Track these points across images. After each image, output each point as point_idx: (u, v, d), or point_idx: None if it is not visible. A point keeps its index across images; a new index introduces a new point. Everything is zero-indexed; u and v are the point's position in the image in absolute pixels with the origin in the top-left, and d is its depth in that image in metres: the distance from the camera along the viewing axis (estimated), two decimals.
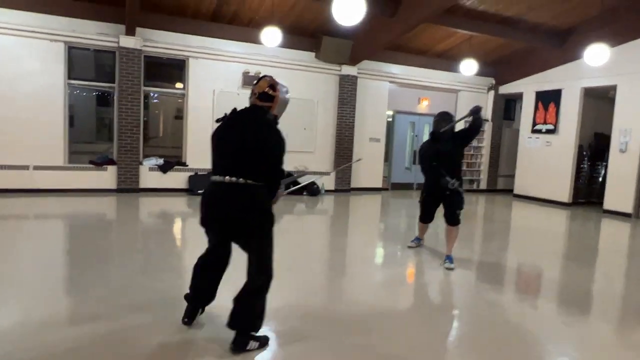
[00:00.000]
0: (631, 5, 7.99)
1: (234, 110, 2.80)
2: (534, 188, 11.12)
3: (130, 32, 8.19)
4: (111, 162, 8.65)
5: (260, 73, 9.40)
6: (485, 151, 12.53)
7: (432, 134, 4.97)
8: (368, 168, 11.00)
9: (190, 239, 5.92)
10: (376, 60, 10.58)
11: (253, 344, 2.70)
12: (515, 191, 11.68)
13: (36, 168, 8.02)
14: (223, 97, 9.08)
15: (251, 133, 2.62)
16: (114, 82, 8.57)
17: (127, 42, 8.26)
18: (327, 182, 10.35)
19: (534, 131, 11.19)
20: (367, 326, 3.28)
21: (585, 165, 10.92)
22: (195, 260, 3.02)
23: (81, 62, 8.76)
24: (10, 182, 7.82)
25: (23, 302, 3.39)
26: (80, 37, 8.07)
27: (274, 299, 3.45)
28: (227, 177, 2.63)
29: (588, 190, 10.96)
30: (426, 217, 5.37)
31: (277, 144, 2.67)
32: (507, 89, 12.06)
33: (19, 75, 7.78)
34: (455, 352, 3.08)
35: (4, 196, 7.51)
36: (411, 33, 9.41)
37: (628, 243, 7.36)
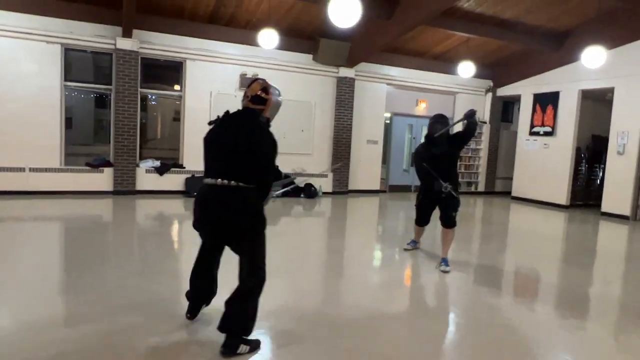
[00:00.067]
0: (628, 7, 7.99)
1: (227, 113, 2.80)
2: (531, 190, 11.11)
3: (127, 34, 8.18)
4: (108, 164, 8.63)
5: (257, 75, 9.41)
6: (483, 153, 12.53)
7: (427, 137, 4.95)
8: (365, 170, 11.00)
9: (186, 240, 5.90)
10: (374, 62, 10.58)
11: (244, 348, 2.68)
12: (513, 193, 11.68)
13: (32, 170, 8.00)
14: (220, 99, 9.07)
15: (243, 136, 2.63)
16: (111, 84, 8.55)
17: (124, 44, 8.26)
18: (325, 185, 10.33)
19: (531, 133, 11.19)
20: (362, 329, 3.27)
21: (583, 168, 10.91)
22: (191, 261, 3.08)
23: (78, 64, 8.76)
24: (6, 184, 7.80)
25: (19, 304, 3.38)
26: (77, 39, 8.06)
27: (269, 300, 3.48)
28: (218, 180, 2.64)
29: (586, 192, 10.96)
30: (422, 220, 5.35)
31: (269, 147, 2.68)
32: (505, 91, 12.06)
33: (15, 77, 7.77)
34: (451, 356, 3.06)
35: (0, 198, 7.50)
36: (409, 35, 9.42)
37: (626, 246, 7.35)
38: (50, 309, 3.33)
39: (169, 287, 3.93)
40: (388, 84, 11.01)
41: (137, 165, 8.76)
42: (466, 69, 9.67)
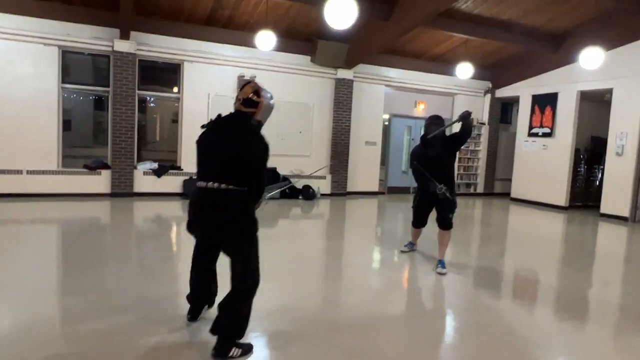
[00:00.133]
0: (626, 8, 7.97)
1: (219, 116, 2.81)
2: (531, 192, 11.09)
3: (124, 36, 8.18)
4: (105, 166, 8.62)
5: (255, 77, 9.40)
6: (482, 155, 12.50)
7: (422, 139, 4.92)
8: (364, 172, 10.98)
9: (184, 242, 5.86)
10: (372, 63, 10.57)
11: (235, 351, 2.66)
12: (512, 195, 11.65)
13: (30, 172, 7.98)
14: (218, 101, 9.05)
15: (235, 139, 2.63)
16: (108, 86, 8.54)
17: (122, 46, 8.25)
18: (323, 186, 10.32)
19: (530, 134, 11.18)
20: (358, 331, 3.26)
21: (582, 169, 10.89)
22: (189, 262, 3.10)
23: (76, 66, 8.75)
24: (3, 186, 7.78)
25: (19, 305, 3.40)
26: (74, 41, 8.05)
27: (268, 301, 3.54)
28: (209, 183, 2.65)
29: (585, 193, 10.94)
30: (419, 222, 5.33)
31: (260, 150, 2.67)
32: (504, 92, 12.05)
33: (12, 79, 7.76)
34: (449, 357, 3.04)
35: None
36: (407, 36, 9.41)
37: (625, 247, 7.32)
38: (49, 309, 3.39)
39: (168, 288, 3.94)
40: (386, 85, 11.00)
41: (135, 168, 8.74)
42: (465, 70, 9.66)
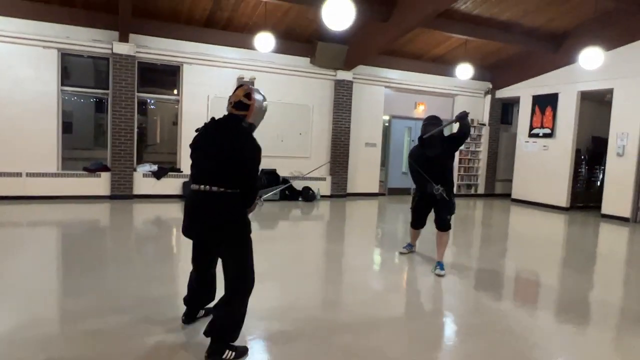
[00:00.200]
0: (626, 8, 7.95)
1: (212, 119, 2.83)
2: (531, 192, 11.05)
3: (123, 38, 8.19)
4: (105, 168, 8.62)
5: (255, 79, 9.41)
6: (483, 155, 12.47)
7: (420, 139, 4.90)
8: (364, 173, 10.96)
9: (183, 244, 5.85)
10: (372, 65, 10.56)
11: (229, 354, 2.65)
12: (513, 196, 11.62)
13: (29, 175, 7.99)
14: (217, 103, 9.04)
15: (227, 142, 2.64)
16: (108, 89, 8.55)
17: (121, 48, 8.26)
18: (323, 188, 10.30)
19: (531, 135, 11.15)
20: (358, 331, 3.26)
21: (583, 169, 10.85)
22: (188, 265, 3.12)
23: (75, 69, 8.76)
24: (3, 189, 7.79)
25: (19, 306, 3.42)
26: (74, 44, 8.06)
27: (266, 301, 3.58)
28: (202, 186, 2.66)
29: (586, 194, 10.89)
30: (417, 223, 5.31)
31: (251, 152, 2.67)
32: (504, 93, 12.02)
33: (12, 82, 7.77)
34: (447, 358, 3.04)
35: None
36: (406, 37, 9.41)
37: (626, 248, 7.28)
38: (49, 310, 3.43)
39: (167, 289, 3.96)
40: (386, 86, 10.99)
41: (135, 170, 8.74)
42: (464, 71, 9.63)
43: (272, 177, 9.55)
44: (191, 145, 2.81)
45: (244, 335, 2.89)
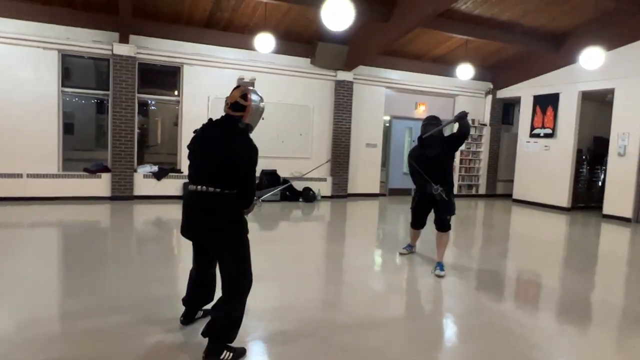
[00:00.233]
0: (626, 8, 7.93)
1: (210, 120, 2.84)
2: (533, 193, 11.03)
3: (123, 39, 8.19)
4: (105, 169, 8.62)
5: (255, 79, 9.37)
6: (484, 156, 12.45)
7: (419, 139, 4.89)
8: (365, 174, 10.95)
9: (183, 245, 5.85)
10: (372, 65, 10.56)
11: (227, 354, 2.65)
12: (515, 196, 11.59)
13: (30, 176, 8.00)
14: (218, 103, 9.03)
15: (223, 143, 2.64)
16: (108, 90, 8.56)
17: (121, 49, 8.26)
18: (324, 188, 10.29)
19: (532, 135, 11.13)
20: (358, 331, 3.26)
21: (585, 170, 10.82)
22: (187, 266, 3.14)
23: (76, 70, 8.77)
24: (4, 190, 7.79)
25: (19, 306, 3.43)
26: (74, 45, 8.07)
27: (266, 301, 3.61)
28: (199, 187, 2.66)
29: (587, 194, 10.87)
30: (417, 223, 5.30)
31: (247, 153, 2.67)
32: (505, 93, 12.00)
33: (12, 83, 7.78)
34: (447, 359, 3.02)
35: None
36: (407, 38, 9.40)
37: (628, 248, 7.26)
38: (49, 310, 3.43)
39: (167, 290, 3.96)
40: (387, 87, 10.98)
41: (135, 171, 8.75)
42: (465, 71, 9.62)
43: (272, 178, 9.55)
44: (189, 146, 2.82)
45: (243, 335, 2.89)
